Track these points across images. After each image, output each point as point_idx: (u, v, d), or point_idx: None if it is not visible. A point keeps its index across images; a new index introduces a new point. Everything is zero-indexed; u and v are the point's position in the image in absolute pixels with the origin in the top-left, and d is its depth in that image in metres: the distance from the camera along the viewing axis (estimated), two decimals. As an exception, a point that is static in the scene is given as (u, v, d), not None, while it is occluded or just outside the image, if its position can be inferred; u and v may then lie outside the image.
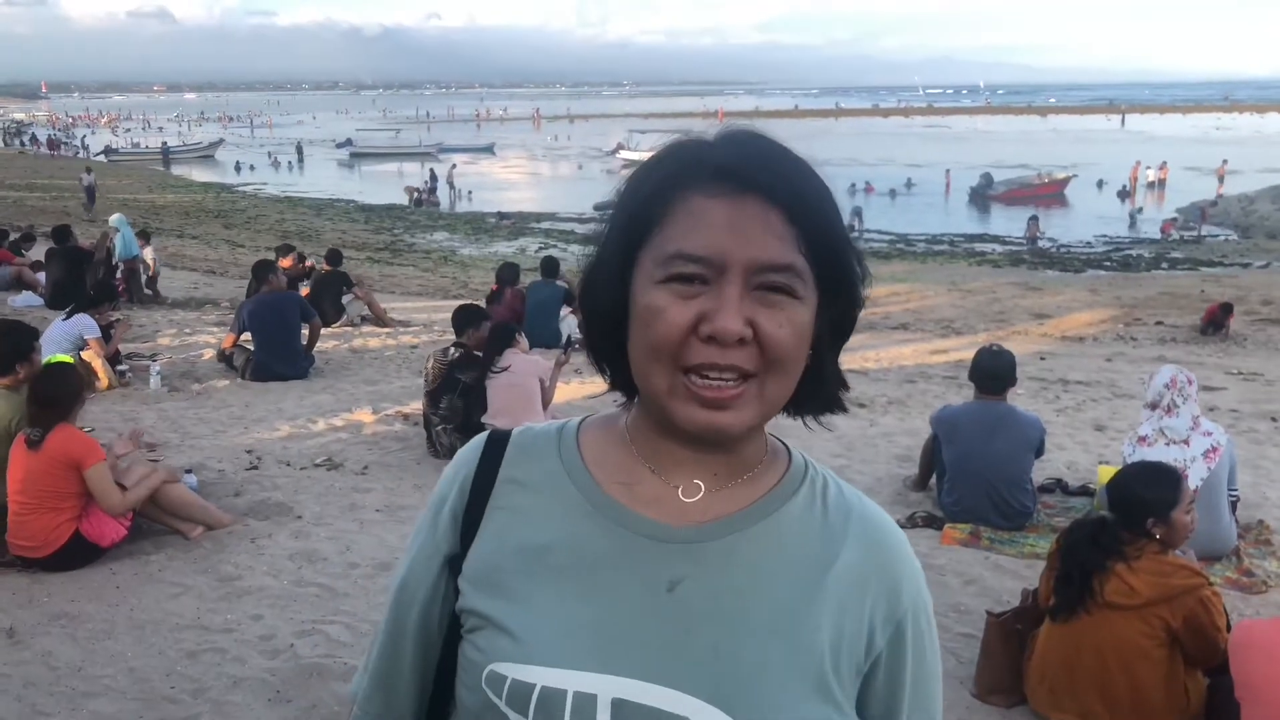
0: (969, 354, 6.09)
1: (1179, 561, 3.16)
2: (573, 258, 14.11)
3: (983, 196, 36.58)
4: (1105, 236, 27.41)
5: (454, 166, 43.03)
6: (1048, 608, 3.30)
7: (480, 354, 6.25)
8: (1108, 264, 22.47)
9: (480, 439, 1.04)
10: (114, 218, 13.42)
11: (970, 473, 5.01)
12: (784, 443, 1.01)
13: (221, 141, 66.35)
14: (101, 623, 3.86)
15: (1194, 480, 4.29)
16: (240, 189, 41.54)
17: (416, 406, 6.83)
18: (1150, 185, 38.65)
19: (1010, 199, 35.23)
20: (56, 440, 4.34)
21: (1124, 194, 36.48)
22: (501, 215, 32.27)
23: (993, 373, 5.12)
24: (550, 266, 10.47)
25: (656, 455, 0.95)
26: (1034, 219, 26.88)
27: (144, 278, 13.20)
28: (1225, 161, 40.29)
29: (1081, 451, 6.57)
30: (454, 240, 27.38)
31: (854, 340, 0.96)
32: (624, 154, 47.91)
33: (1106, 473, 4.50)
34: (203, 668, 3.52)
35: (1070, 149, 56.56)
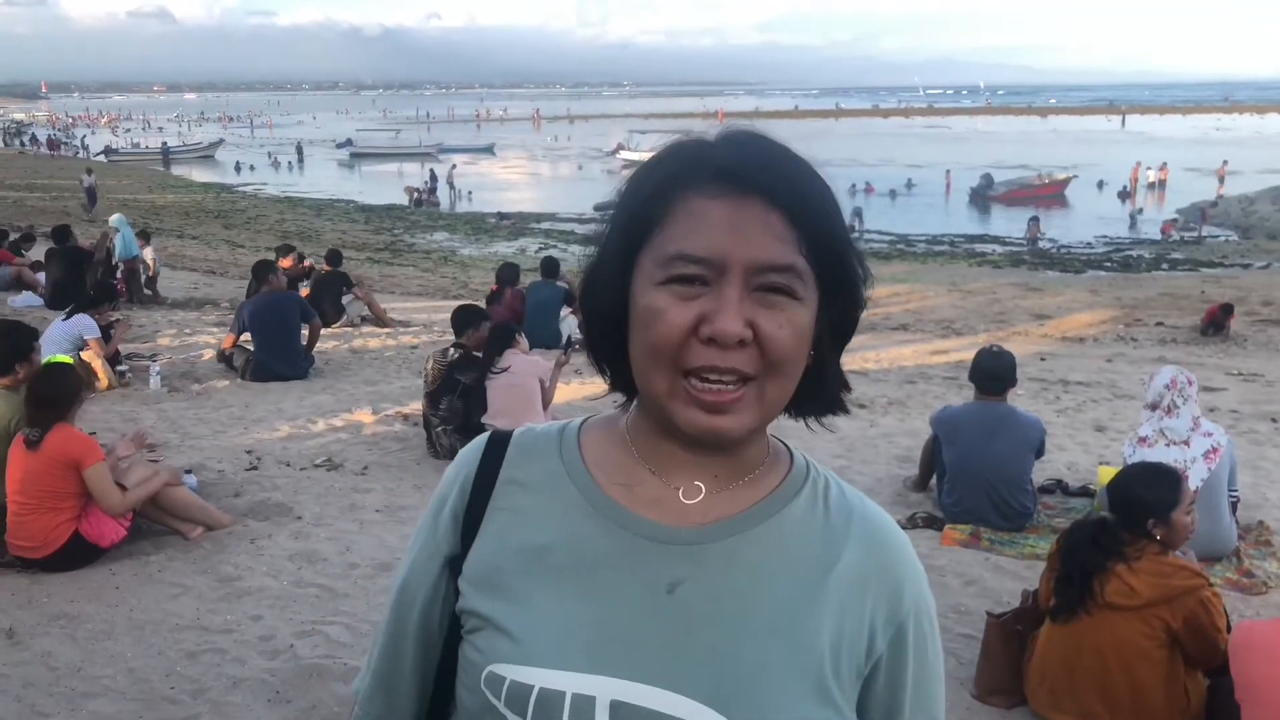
0: (969, 355, 6.09)
1: (1179, 562, 3.16)
2: (573, 258, 14.09)
3: (983, 197, 36.56)
4: (1105, 237, 27.40)
5: (454, 167, 43.02)
6: (1048, 608, 3.29)
7: (480, 354, 6.24)
8: (1108, 265, 22.46)
9: (481, 440, 1.03)
10: (114, 218, 13.43)
11: (970, 473, 5.01)
12: (786, 444, 1.01)
13: (221, 142, 66.33)
14: (101, 623, 3.86)
15: (1194, 481, 4.29)
16: (240, 189, 41.52)
17: (416, 407, 6.82)
18: (1150, 186, 38.67)
19: (1010, 200, 35.22)
20: (55, 440, 4.34)
21: (1124, 195, 36.50)
22: (501, 215, 32.26)
23: (993, 373, 5.12)
24: (550, 267, 10.46)
25: (657, 456, 0.94)
26: (1034, 220, 26.85)
27: (144, 278, 13.20)
28: (1225, 162, 40.31)
29: (1082, 452, 6.56)
30: (454, 240, 27.37)
31: (854, 341, 0.96)
32: (624, 154, 47.92)
33: (1107, 473, 4.50)
34: (202, 668, 3.52)
35: (1070, 150, 56.58)
